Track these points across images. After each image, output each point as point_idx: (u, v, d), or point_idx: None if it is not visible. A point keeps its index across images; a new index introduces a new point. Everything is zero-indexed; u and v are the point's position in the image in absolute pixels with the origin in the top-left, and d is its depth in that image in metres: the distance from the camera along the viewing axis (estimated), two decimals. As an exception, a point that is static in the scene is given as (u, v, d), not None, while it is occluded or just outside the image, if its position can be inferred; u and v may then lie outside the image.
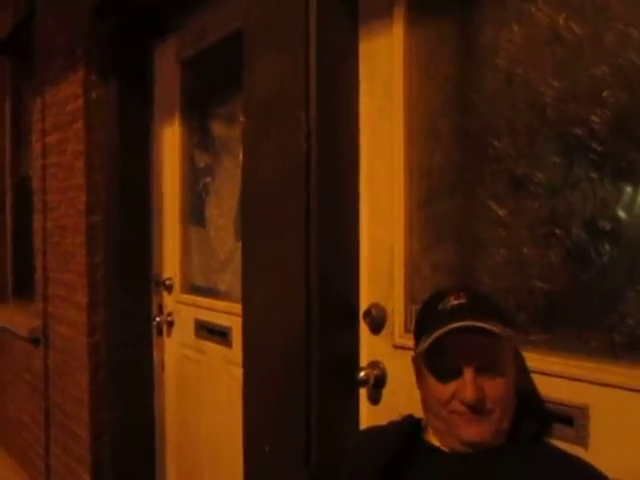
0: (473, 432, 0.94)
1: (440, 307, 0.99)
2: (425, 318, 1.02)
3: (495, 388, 0.93)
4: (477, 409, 0.93)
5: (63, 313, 2.64)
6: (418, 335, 1.01)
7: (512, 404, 0.96)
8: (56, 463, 2.76)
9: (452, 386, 0.95)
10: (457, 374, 0.94)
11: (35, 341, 2.92)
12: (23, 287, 3.49)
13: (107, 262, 2.39)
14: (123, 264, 2.37)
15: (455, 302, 0.97)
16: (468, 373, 0.93)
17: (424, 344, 0.96)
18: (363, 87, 1.40)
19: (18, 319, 3.21)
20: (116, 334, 2.37)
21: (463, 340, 0.93)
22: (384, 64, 1.35)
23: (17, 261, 3.66)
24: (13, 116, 3.72)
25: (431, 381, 0.98)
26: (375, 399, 1.37)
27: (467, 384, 0.93)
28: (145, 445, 2.42)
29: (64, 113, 2.59)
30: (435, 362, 0.98)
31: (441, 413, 0.97)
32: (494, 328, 0.92)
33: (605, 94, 0.98)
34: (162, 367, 2.40)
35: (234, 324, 1.90)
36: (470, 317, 0.93)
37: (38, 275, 2.91)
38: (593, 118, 0.99)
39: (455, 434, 0.96)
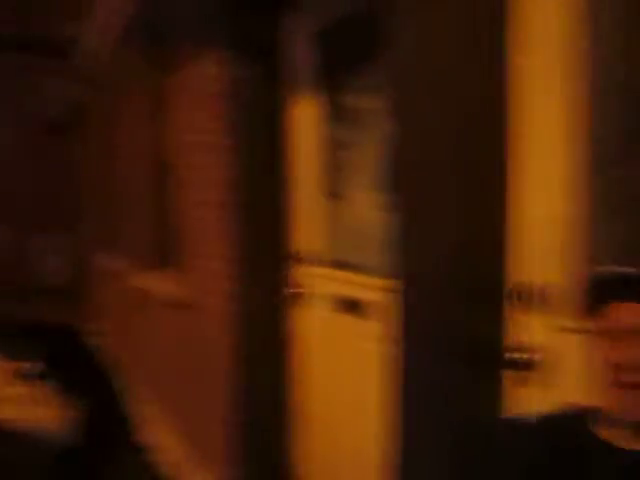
0: None
1: None
2: None
3: None
4: None
5: (205, 283, 2.79)
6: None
7: None
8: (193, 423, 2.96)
9: None
10: None
11: (178, 308, 3.14)
12: (170, 257, 3.73)
13: (244, 235, 2.47)
14: (259, 237, 2.43)
15: None
16: None
17: None
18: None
19: (162, 286, 3.45)
20: (250, 305, 2.43)
21: None
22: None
23: (162, 233, 3.91)
24: (154, 104, 3.92)
25: None
26: (526, 382, 1.28)
27: None
28: (279, 415, 2.47)
29: (200, 92, 2.69)
30: None
31: None
32: None
33: None
34: (296, 339, 2.46)
35: (372, 298, 1.88)
36: None
37: (180, 246, 3.11)
38: None
39: None
